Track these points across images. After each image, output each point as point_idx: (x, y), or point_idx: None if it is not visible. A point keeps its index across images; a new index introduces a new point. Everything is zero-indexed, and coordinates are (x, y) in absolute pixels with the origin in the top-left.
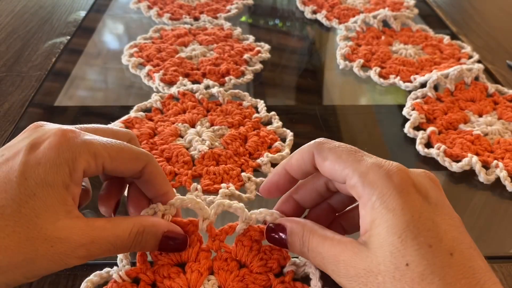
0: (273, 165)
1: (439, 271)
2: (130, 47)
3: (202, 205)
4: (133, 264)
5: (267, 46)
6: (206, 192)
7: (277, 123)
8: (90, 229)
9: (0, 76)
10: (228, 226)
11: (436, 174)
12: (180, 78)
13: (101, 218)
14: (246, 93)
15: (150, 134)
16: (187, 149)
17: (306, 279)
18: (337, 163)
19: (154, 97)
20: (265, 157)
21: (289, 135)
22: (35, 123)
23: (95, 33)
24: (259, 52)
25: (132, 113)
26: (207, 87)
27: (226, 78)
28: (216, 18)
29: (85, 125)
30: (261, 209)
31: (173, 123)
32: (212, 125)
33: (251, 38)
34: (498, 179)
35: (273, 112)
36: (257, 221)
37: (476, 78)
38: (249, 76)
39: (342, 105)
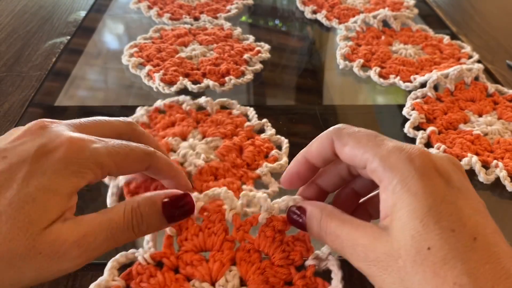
0: (273, 174)
1: (461, 256)
2: (130, 47)
3: (231, 194)
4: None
5: (267, 46)
6: None
7: (270, 130)
8: (79, 223)
9: (0, 76)
10: (252, 217)
11: None
12: (180, 78)
13: (92, 213)
14: (234, 101)
15: None
16: (182, 164)
17: (328, 273)
18: (357, 148)
19: (139, 111)
20: (264, 167)
21: (285, 142)
22: (40, 121)
23: (95, 33)
24: (259, 52)
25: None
26: (207, 87)
27: (226, 78)
28: (216, 18)
29: (88, 120)
30: (284, 197)
31: (163, 137)
32: (204, 137)
33: (251, 38)
34: (498, 179)
35: (264, 120)
36: (280, 211)
37: (476, 78)
38: (249, 76)
39: (342, 105)
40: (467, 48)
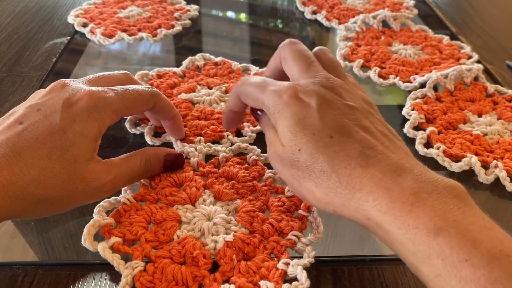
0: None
1: (322, 150)
2: (76, 11)
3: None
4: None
5: (196, 7)
6: None
7: None
8: (111, 168)
9: (1, 76)
10: (214, 159)
11: None
12: (118, 32)
13: (116, 158)
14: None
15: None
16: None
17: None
18: (252, 96)
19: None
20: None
21: None
22: (60, 81)
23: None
24: (188, 10)
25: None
26: (141, 38)
27: (158, 30)
28: None
29: (94, 76)
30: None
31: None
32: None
33: (183, 2)
34: (497, 179)
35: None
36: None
37: (476, 78)
38: (178, 28)
39: None
40: (467, 49)
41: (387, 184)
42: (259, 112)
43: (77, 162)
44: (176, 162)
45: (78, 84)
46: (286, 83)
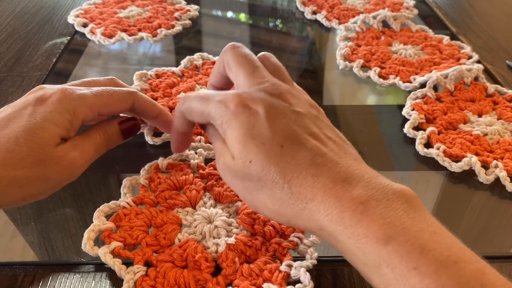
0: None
1: (273, 160)
2: (76, 11)
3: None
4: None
5: (196, 7)
6: None
7: None
8: (76, 143)
9: (1, 76)
10: (214, 161)
11: (435, 174)
12: (118, 32)
13: (79, 134)
14: None
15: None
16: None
17: None
18: (197, 112)
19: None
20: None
21: None
22: (39, 86)
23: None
24: (188, 10)
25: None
26: (141, 38)
27: (158, 30)
28: None
29: (76, 82)
30: None
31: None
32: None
33: (183, 2)
34: (497, 179)
35: None
36: None
37: (476, 78)
38: (178, 28)
39: (342, 105)
40: (467, 49)
41: (337, 193)
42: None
43: (45, 144)
44: (132, 127)
45: (55, 86)
46: (231, 92)
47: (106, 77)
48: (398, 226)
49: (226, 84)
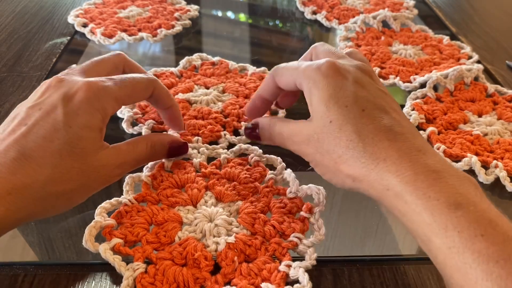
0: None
1: (352, 122)
2: (76, 11)
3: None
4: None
5: (196, 7)
6: None
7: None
8: (119, 154)
9: (1, 76)
10: (216, 160)
11: None
12: (118, 32)
13: (123, 142)
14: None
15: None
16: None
17: (286, 184)
18: (287, 75)
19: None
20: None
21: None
22: (55, 77)
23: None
24: (188, 10)
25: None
26: (141, 38)
27: (158, 30)
28: None
29: (87, 63)
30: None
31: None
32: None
33: (183, 2)
34: (497, 179)
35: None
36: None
37: (476, 79)
38: (178, 28)
39: None
40: (467, 49)
41: (412, 158)
42: (257, 131)
43: (87, 154)
44: (180, 150)
45: (73, 77)
46: (323, 59)
47: (112, 53)
48: (469, 199)
49: (275, 95)
